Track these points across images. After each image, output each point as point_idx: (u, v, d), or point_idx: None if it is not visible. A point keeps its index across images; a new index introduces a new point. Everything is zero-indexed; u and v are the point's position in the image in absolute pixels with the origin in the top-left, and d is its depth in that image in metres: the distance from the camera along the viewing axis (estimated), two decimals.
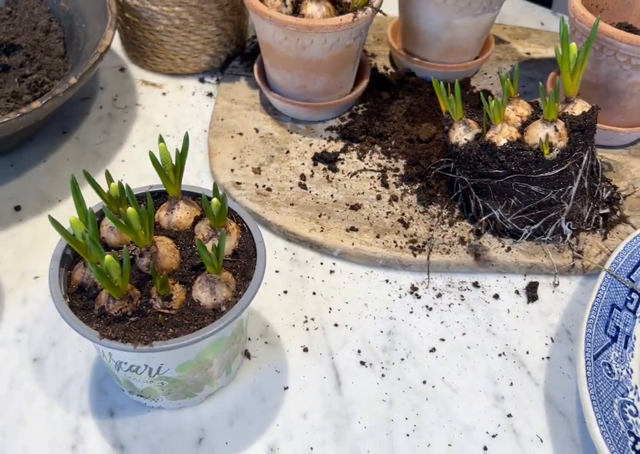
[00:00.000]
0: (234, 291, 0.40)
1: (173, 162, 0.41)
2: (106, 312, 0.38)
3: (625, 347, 0.47)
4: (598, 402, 0.42)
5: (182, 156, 0.41)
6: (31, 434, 0.44)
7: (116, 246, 0.41)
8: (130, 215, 0.37)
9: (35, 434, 0.44)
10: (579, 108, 0.52)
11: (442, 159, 0.57)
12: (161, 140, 0.41)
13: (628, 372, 0.46)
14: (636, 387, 0.45)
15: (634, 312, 0.49)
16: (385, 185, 0.58)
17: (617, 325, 0.48)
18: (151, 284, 0.40)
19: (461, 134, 0.53)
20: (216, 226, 0.41)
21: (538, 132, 0.50)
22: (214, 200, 0.40)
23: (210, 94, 0.69)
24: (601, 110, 0.53)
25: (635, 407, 0.44)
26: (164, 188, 0.43)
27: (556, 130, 0.49)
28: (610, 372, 0.45)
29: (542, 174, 0.50)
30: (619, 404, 0.44)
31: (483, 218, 0.54)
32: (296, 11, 0.56)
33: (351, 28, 0.55)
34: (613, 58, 0.56)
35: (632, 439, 0.42)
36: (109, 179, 0.41)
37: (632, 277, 0.51)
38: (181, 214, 0.42)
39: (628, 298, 0.50)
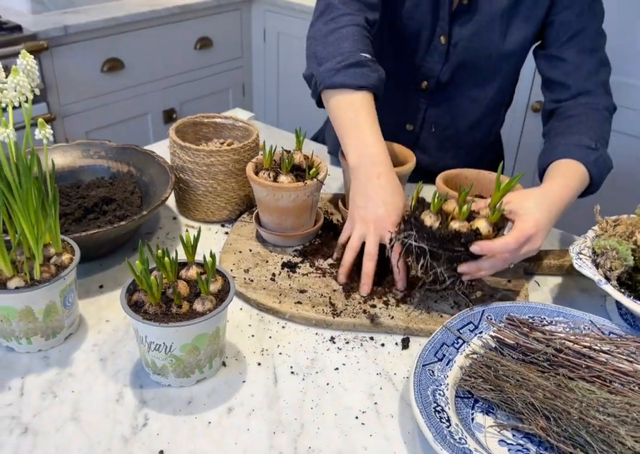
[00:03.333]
0: (214, 306, 0.75)
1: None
2: (147, 311, 0.74)
3: (447, 365, 0.79)
4: (418, 386, 0.74)
5: (194, 248, 0.79)
6: (96, 393, 0.77)
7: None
8: (166, 265, 0.75)
9: (98, 393, 0.76)
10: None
11: (409, 233, 0.86)
12: (187, 237, 0.79)
13: (444, 376, 0.77)
14: (447, 384, 0.76)
15: (457, 349, 0.81)
16: (324, 282, 0.94)
17: (444, 353, 0.80)
18: (172, 301, 0.75)
19: (434, 220, 0.86)
20: (208, 275, 0.77)
21: (485, 226, 0.85)
22: (210, 260, 0.77)
23: (226, 233, 1.09)
24: None
25: (443, 392, 0.74)
26: (186, 260, 0.80)
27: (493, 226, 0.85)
28: (431, 374, 0.76)
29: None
30: (432, 390, 0.74)
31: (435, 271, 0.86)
32: (275, 179, 0.97)
33: (304, 189, 0.95)
34: None
35: (434, 405, 0.72)
36: (162, 253, 0.79)
37: (460, 331, 0.83)
38: (192, 271, 0.79)
39: (455, 341, 0.82)
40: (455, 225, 0.85)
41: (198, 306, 0.75)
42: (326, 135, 1.44)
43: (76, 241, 0.85)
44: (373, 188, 0.93)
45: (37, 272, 0.77)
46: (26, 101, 0.72)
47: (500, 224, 0.87)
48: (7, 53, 2.01)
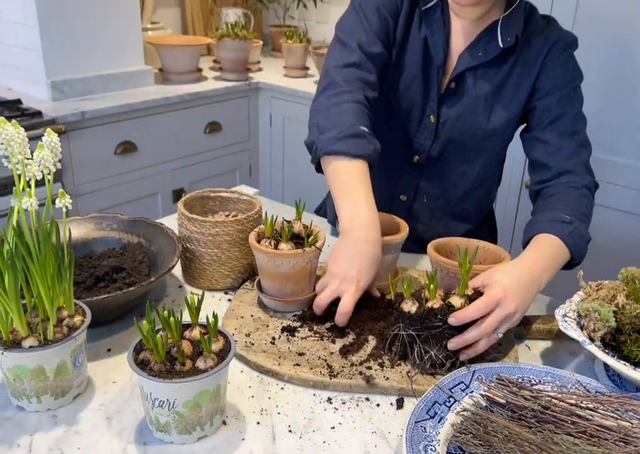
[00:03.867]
0: (216, 364, 0.79)
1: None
2: (152, 368, 0.78)
3: (439, 422, 0.82)
4: (410, 442, 0.76)
5: (197, 310, 0.84)
6: (101, 449, 0.80)
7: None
8: (172, 324, 0.80)
9: (103, 450, 0.79)
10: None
11: (398, 325, 0.94)
12: (192, 299, 0.85)
13: (436, 433, 0.80)
14: (439, 440, 0.79)
15: (449, 407, 0.84)
16: (322, 345, 0.98)
17: (436, 411, 0.83)
18: (176, 359, 0.80)
19: (411, 305, 0.93)
20: (210, 334, 0.82)
21: (457, 300, 0.91)
22: (212, 320, 0.82)
23: (229, 300, 1.14)
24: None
25: (434, 448, 0.77)
26: (190, 321, 0.85)
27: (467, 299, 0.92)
28: (423, 430, 0.79)
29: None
30: (424, 445, 0.77)
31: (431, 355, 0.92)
32: (275, 247, 1.03)
33: (303, 256, 1.01)
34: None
35: None
36: (167, 313, 0.84)
37: (452, 390, 0.87)
38: (196, 332, 0.84)
39: (447, 400, 0.85)
40: (430, 304, 0.92)
41: (200, 363, 0.79)
42: (327, 206, 1.51)
43: (87, 306, 0.90)
44: (358, 251, 1.01)
45: (51, 332, 0.82)
46: (49, 174, 0.79)
47: (473, 298, 0.93)
48: (28, 136, 2.12)
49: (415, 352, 0.94)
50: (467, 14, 1.16)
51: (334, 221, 1.42)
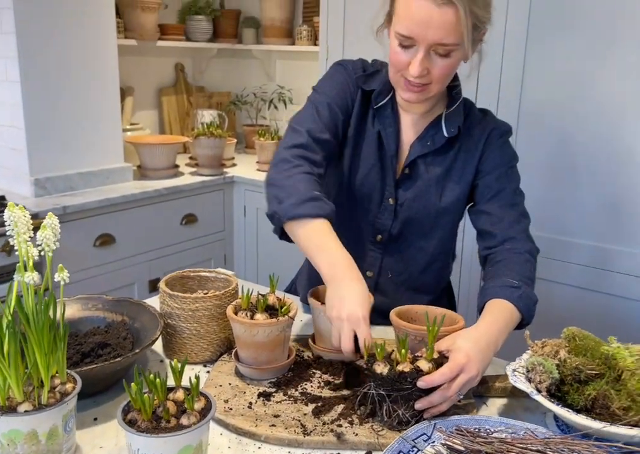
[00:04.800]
0: (198, 420, 0.87)
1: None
2: (139, 426, 0.85)
3: None
4: None
5: (181, 373, 0.93)
6: None
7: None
8: (158, 387, 0.88)
9: None
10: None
11: (369, 384, 1.03)
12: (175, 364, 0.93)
13: None
14: None
15: None
16: (296, 407, 1.06)
17: None
18: (162, 418, 0.87)
19: (383, 368, 1.02)
20: (193, 393, 0.90)
21: (425, 364, 1.01)
22: (195, 380, 0.90)
23: (208, 371, 1.21)
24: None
25: None
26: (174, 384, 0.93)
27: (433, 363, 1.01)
28: None
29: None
30: None
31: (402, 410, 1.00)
32: (251, 318, 1.13)
33: (277, 325, 1.11)
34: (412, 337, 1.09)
35: None
36: (153, 376, 0.92)
37: (415, 440, 0.95)
38: (179, 393, 0.92)
39: (411, 449, 0.93)
40: (400, 367, 1.02)
41: (184, 420, 0.87)
42: (298, 286, 1.62)
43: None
44: (347, 289, 1.10)
45: (45, 397, 0.90)
46: (50, 251, 0.89)
47: (439, 362, 1.03)
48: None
49: (384, 410, 1.02)
50: (415, 110, 1.33)
51: (305, 298, 1.52)
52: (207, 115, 3.35)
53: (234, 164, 3.34)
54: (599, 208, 2.12)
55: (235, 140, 3.43)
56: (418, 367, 1.02)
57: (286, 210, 1.18)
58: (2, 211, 2.24)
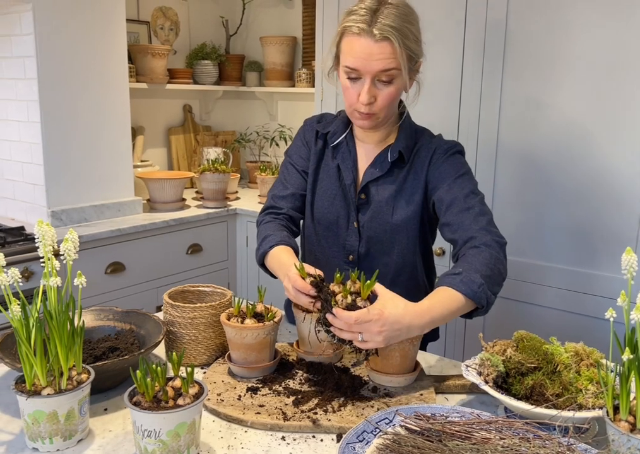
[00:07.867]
0: (192, 402, 1.03)
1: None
2: (143, 406, 1.02)
3: (366, 444, 1.05)
4: None
5: (179, 364, 1.10)
6: None
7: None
8: (159, 373, 1.05)
9: None
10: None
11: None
12: (172, 357, 1.10)
13: (362, 451, 1.03)
14: None
15: (374, 435, 1.07)
16: (279, 399, 1.22)
17: (364, 437, 1.06)
18: (162, 401, 1.04)
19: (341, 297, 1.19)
20: (188, 379, 1.07)
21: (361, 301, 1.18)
22: (189, 369, 1.07)
23: (204, 372, 1.38)
24: None
25: None
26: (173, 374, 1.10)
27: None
28: (353, 449, 1.02)
29: None
30: None
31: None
32: (241, 323, 1.30)
33: (264, 329, 1.28)
34: None
35: None
36: (155, 366, 1.09)
37: (378, 423, 1.10)
38: (177, 381, 1.08)
39: (374, 430, 1.09)
40: (340, 296, 1.20)
41: (180, 401, 1.03)
42: (285, 310, 1.79)
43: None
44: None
45: (64, 383, 1.07)
46: (70, 260, 1.08)
47: (370, 300, 1.20)
48: (29, 257, 2.41)
49: (321, 319, 1.22)
50: (370, 139, 1.55)
51: (291, 319, 1.69)
52: (212, 152, 3.56)
53: (237, 198, 3.54)
54: (572, 233, 2.29)
55: (239, 176, 3.64)
56: (355, 301, 1.18)
57: (265, 246, 1.48)
58: (22, 240, 2.46)
